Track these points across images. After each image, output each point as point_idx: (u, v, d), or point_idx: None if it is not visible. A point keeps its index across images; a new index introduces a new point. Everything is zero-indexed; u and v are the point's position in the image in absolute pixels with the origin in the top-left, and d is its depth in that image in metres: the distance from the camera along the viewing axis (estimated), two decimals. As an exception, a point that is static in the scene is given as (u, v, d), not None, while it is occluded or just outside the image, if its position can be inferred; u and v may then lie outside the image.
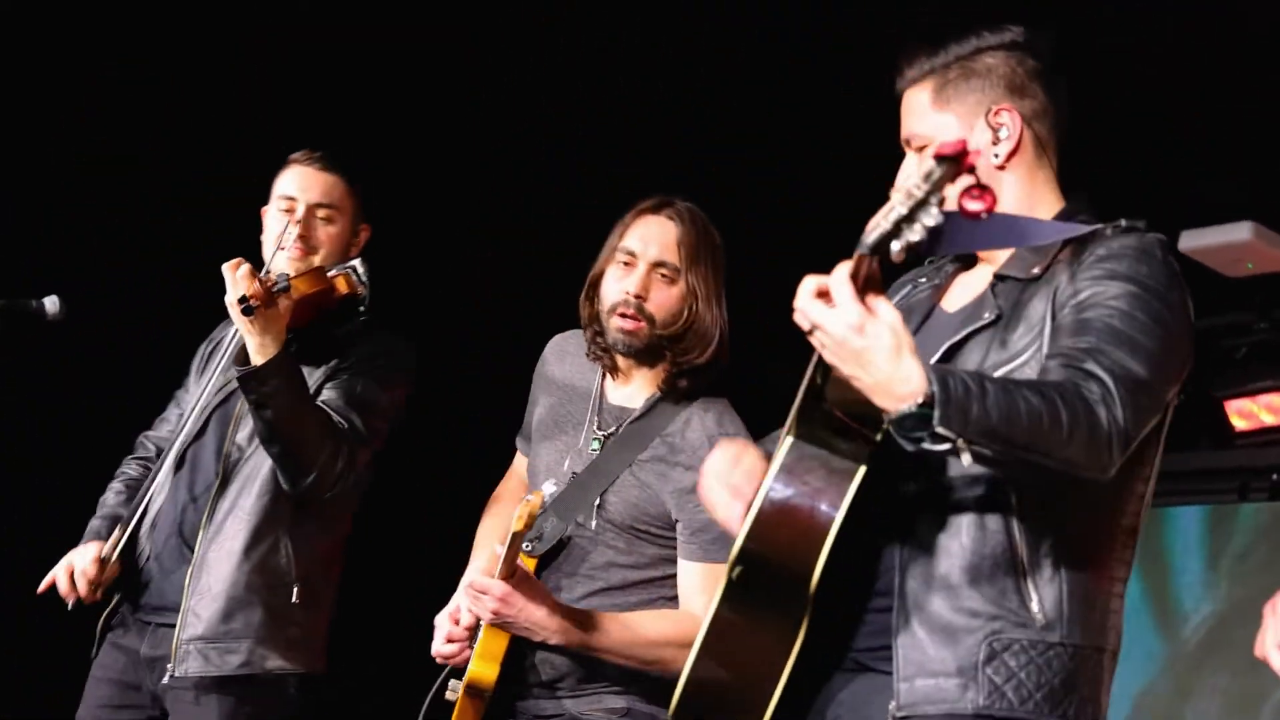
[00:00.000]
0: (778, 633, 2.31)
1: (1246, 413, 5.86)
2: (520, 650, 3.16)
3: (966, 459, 2.12)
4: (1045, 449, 2.14)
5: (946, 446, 2.11)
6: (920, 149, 2.46)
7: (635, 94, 5.12)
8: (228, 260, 3.29)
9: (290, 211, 3.53)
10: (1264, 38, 4.48)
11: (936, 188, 2.04)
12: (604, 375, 3.30)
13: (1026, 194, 2.45)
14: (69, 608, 3.48)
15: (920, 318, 2.51)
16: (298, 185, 3.57)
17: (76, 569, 3.45)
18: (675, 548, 3.17)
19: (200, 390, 3.56)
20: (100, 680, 3.49)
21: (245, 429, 3.46)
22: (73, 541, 3.55)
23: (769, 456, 2.40)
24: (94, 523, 3.62)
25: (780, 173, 5.21)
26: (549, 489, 3.15)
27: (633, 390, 3.27)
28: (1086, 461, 2.18)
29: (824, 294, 2.11)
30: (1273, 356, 5.76)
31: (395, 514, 3.81)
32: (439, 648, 3.22)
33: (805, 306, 2.12)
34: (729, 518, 2.45)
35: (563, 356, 3.40)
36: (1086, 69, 4.57)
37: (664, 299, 3.20)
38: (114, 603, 3.53)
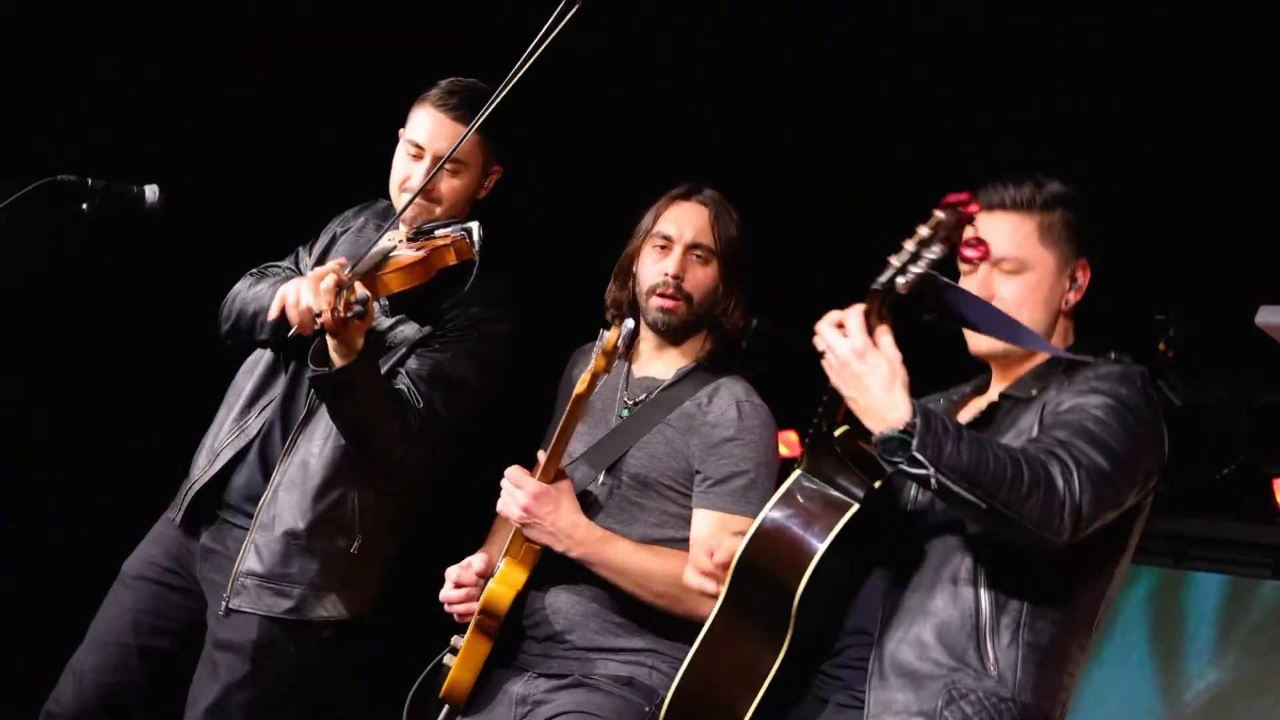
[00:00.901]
0: (764, 643, 2.62)
1: (1293, 492, 5.87)
2: (530, 601, 3.24)
3: (934, 484, 2.44)
4: (1006, 499, 2.46)
5: (921, 472, 2.44)
6: (1010, 271, 2.75)
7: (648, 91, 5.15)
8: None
9: (417, 158, 3.44)
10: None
11: (938, 228, 2.41)
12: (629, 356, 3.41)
13: (1063, 334, 2.82)
14: (289, 334, 3.30)
15: None
16: (427, 134, 3.43)
17: (301, 302, 3.25)
18: (691, 509, 3.27)
19: None
20: (157, 539, 3.55)
21: None
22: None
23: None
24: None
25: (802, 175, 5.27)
26: (628, 325, 3.18)
27: (661, 365, 3.39)
28: (1040, 521, 2.48)
29: (841, 325, 2.48)
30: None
31: (465, 470, 3.78)
32: (446, 593, 3.30)
33: (823, 331, 2.50)
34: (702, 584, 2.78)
35: (585, 358, 3.48)
36: (1176, 145, 4.65)
37: (700, 278, 3.36)
38: (193, 491, 3.50)
